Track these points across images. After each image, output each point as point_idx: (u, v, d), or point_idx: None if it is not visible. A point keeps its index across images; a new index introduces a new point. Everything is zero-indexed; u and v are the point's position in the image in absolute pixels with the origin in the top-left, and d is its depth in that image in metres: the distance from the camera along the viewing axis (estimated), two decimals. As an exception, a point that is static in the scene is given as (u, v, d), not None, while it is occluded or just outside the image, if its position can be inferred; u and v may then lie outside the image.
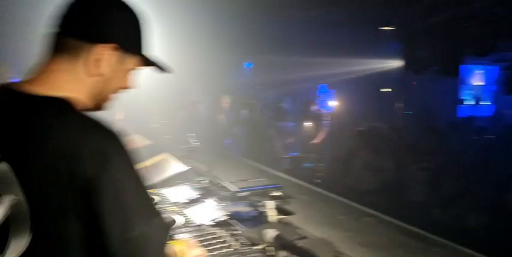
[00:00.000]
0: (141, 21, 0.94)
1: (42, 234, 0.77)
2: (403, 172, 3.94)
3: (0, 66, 3.67)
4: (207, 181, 2.51)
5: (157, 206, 0.94)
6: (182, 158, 2.99)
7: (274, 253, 1.43)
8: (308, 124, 6.51)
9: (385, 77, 8.17)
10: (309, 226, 1.74)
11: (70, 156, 0.74)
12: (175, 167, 2.72)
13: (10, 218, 0.75)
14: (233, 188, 2.17)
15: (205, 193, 2.29)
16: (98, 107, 0.94)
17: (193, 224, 1.77)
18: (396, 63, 7.75)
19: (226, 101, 5.35)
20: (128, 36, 0.91)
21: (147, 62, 0.97)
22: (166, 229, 0.90)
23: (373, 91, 8.35)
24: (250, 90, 7.96)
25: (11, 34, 4.83)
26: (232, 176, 2.60)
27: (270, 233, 1.55)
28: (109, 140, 0.79)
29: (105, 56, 0.86)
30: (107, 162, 0.75)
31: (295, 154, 6.82)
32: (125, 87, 0.97)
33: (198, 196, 2.21)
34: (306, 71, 7.86)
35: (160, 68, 1.00)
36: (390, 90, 8.75)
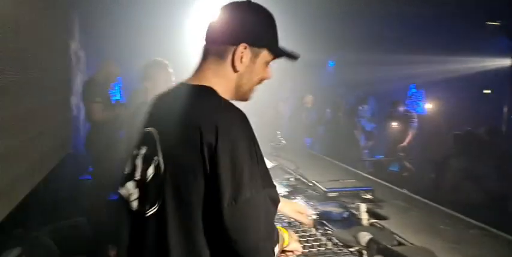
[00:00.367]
0: (267, 19, 1.11)
1: (173, 191, 0.96)
2: (507, 182, 3.54)
3: (109, 66, 4.12)
4: (293, 179, 2.55)
5: (272, 180, 1.05)
6: (268, 155, 3.08)
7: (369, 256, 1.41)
8: (394, 126, 6.19)
9: (488, 77, 7.34)
10: (405, 233, 1.66)
11: (204, 129, 0.93)
12: (263, 163, 2.81)
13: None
14: (323, 187, 2.18)
15: (293, 190, 2.33)
16: (242, 97, 1.14)
17: (284, 221, 1.82)
18: (502, 62, 6.94)
19: (309, 100, 5.33)
20: (256, 35, 1.07)
21: (278, 53, 1.13)
22: (276, 201, 1.03)
23: (473, 92, 7.56)
24: (334, 89, 7.81)
25: (120, 36, 5.43)
26: (318, 175, 2.61)
27: (365, 237, 1.53)
28: (236, 119, 0.97)
29: (241, 54, 1.05)
30: (233, 136, 0.93)
31: (380, 157, 6.54)
32: (264, 79, 1.15)
33: (286, 194, 2.25)
34: (395, 70, 7.44)
35: (290, 56, 1.15)
36: (490, 92, 7.87)
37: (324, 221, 1.82)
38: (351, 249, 1.51)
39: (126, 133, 3.28)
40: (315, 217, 1.79)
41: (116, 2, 4.85)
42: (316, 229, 1.72)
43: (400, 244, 1.59)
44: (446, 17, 6.01)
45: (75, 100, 4.59)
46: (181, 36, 4.09)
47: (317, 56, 7.56)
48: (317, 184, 2.29)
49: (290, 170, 2.82)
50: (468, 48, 6.82)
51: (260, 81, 1.15)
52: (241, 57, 1.06)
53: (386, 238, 1.62)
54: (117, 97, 6.76)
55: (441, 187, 3.53)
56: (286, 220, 1.80)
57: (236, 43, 1.05)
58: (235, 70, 1.07)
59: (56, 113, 3.49)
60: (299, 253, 1.30)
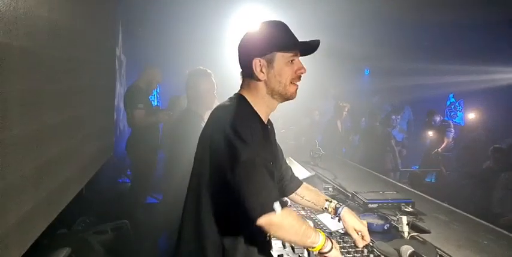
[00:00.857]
0: (267, 30, 1.32)
1: (195, 177, 1.32)
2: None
3: (152, 73, 4.27)
4: (332, 188, 2.56)
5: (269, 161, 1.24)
6: (306, 165, 3.10)
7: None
8: (430, 135, 6.04)
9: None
10: (447, 247, 1.65)
11: (210, 125, 1.31)
12: (301, 172, 2.84)
13: None
14: (363, 198, 2.18)
15: (333, 200, 2.34)
16: (284, 97, 1.34)
17: (325, 231, 1.84)
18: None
19: (345, 109, 5.31)
20: (260, 47, 1.29)
21: (290, 49, 1.29)
22: (268, 167, 1.18)
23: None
24: (369, 97, 7.71)
25: (160, 45, 5.66)
26: (355, 185, 2.61)
27: (408, 250, 1.53)
28: (233, 118, 1.21)
29: (258, 67, 1.29)
30: (227, 130, 1.18)
31: (415, 167, 6.38)
32: (294, 76, 1.32)
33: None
34: (432, 79, 7.26)
35: (306, 45, 1.31)
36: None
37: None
38: (393, 261, 1.51)
39: (168, 138, 3.41)
40: (341, 231, 1.80)
41: (160, 11, 5.07)
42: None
43: (443, 258, 1.57)
44: (484, 26, 5.85)
45: (118, 105, 4.81)
46: (221, 46, 4.20)
47: (353, 64, 7.54)
48: (357, 195, 2.29)
49: (328, 180, 2.83)
50: (506, 57, 6.57)
51: (295, 77, 1.32)
52: (260, 69, 1.29)
53: (429, 251, 1.61)
54: (155, 103, 7.02)
55: (479, 200, 3.41)
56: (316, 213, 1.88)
57: (250, 59, 1.29)
58: (259, 80, 1.30)
59: (101, 118, 3.66)
60: None
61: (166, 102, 5.14)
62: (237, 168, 1.13)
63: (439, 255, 1.60)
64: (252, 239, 1.29)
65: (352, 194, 2.35)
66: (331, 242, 1.29)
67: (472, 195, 4.00)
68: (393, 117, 5.66)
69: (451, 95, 8.99)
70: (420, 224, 1.93)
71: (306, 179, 2.70)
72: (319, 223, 1.95)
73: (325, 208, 1.61)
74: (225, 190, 1.17)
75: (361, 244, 1.46)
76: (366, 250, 1.62)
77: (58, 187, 2.15)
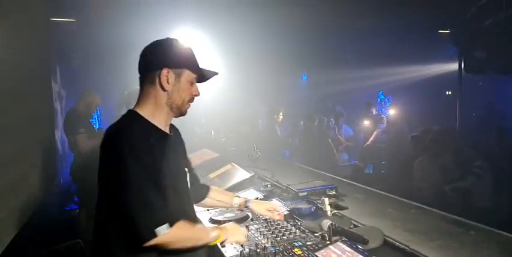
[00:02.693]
0: (184, 48, 1.40)
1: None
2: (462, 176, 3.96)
3: (89, 96, 4.33)
4: (270, 185, 2.87)
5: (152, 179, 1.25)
6: (247, 167, 3.39)
7: (328, 237, 1.72)
8: (367, 125, 6.59)
9: (444, 80, 8.02)
10: (360, 218, 2.00)
11: (104, 143, 1.31)
12: (242, 174, 3.12)
13: None
14: (294, 189, 2.49)
15: (270, 194, 2.64)
16: (178, 112, 1.42)
17: (262, 219, 2.11)
18: (454, 66, 7.59)
19: (279, 113, 5.72)
20: (174, 60, 1.37)
21: (197, 71, 1.41)
22: (158, 184, 1.24)
23: (431, 95, 8.22)
24: (307, 100, 8.25)
25: (99, 67, 5.69)
26: (292, 180, 2.93)
27: (326, 223, 1.85)
28: (123, 135, 1.26)
29: (165, 76, 1.34)
30: (115, 147, 1.25)
31: (354, 162, 6.95)
32: (193, 96, 1.43)
33: (263, 197, 2.56)
34: (361, 80, 8.00)
35: (208, 74, 1.45)
36: (449, 93, 8.55)
37: (295, 216, 2.13)
38: (315, 234, 1.83)
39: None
40: (285, 212, 2.10)
41: (94, 34, 5.13)
42: (288, 222, 2.03)
43: (355, 226, 1.92)
44: (404, 29, 6.62)
45: (59, 133, 4.78)
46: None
47: (290, 69, 8.04)
48: (290, 187, 2.61)
49: (267, 178, 3.13)
50: (425, 55, 7.49)
51: (191, 98, 1.43)
52: (167, 79, 1.35)
53: (344, 222, 1.95)
54: (97, 126, 6.96)
55: (402, 183, 3.90)
56: (262, 218, 2.10)
57: (159, 68, 1.35)
58: (163, 89, 1.36)
59: (43, 149, 3.67)
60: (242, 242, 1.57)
61: (108, 125, 5.18)
62: (124, 191, 1.18)
63: (353, 224, 1.95)
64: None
65: (286, 186, 2.66)
66: (226, 233, 1.46)
67: (399, 180, 4.49)
68: (342, 118, 6.23)
69: (381, 93, 9.90)
70: (341, 203, 2.28)
71: (247, 180, 2.99)
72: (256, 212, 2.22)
73: (236, 203, 1.90)
74: (115, 211, 1.23)
75: (277, 217, 1.83)
76: (294, 228, 1.92)
77: (4, 217, 2.18)
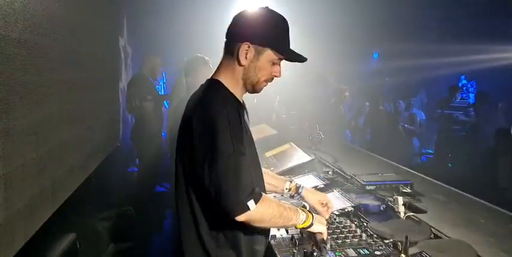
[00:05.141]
0: (275, 23, 1.27)
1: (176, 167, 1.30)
2: None
3: (152, 58, 4.27)
4: (331, 172, 2.58)
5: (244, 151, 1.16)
6: (307, 149, 3.11)
7: (403, 248, 1.42)
8: (453, 115, 5.82)
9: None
10: (442, 227, 1.65)
11: (192, 111, 1.21)
12: (301, 156, 2.85)
13: None
14: (361, 180, 2.19)
15: (331, 183, 2.35)
16: (251, 89, 1.32)
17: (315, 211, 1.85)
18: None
19: (345, 92, 5.27)
20: (259, 36, 1.24)
21: (281, 53, 1.27)
22: (244, 159, 1.14)
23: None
24: (378, 81, 7.62)
25: (164, 31, 5.67)
26: (357, 169, 2.61)
27: (400, 229, 1.54)
28: (212, 104, 1.18)
29: (244, 51, 1.24)
30: (206, 116, 1.15)
31: (429, 150, 6.33)
32: (272, 76, 1.31)
33: (323, 186, 2.28)
34: (439, 60, 7.12)
35: (293, 58, 1.29)
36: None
37: (361, 214, 1.84)
38: (386, 241, 1.53)
39: (169, 127, 3.45)
40: (349, 208, 1.82)
41: (163, 2, 5.06)
42: (352, 221, 1.75)
43: (436, 236, 1.58)
44: (493, 4, 5.68)
45: (124, 95, 4.87)
46: (221, 35, 4.20)
47: (361, 47, 7.43)
48: (355, 177, 2.30)
49: (328, 164, 2.84)
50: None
51: (269, 78, 1.31)
52: (246, 54, 1.24)
53: (424, 230, 1.62)
54: (162, 92, 7.07)
55: (486, 181, 3.38)
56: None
57: (241, 41, 1.24)
58: (240, 64, 1.26)
59: (106, 108, 3.72)
60: (325, 236, 1.35)
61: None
62: (212, 164, 1.10)
63: (433, 234, 1.61)
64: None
65: (350, 176, 2.35)
66: (312, 217, 1.31)
67: (477, 176, 3.94)
68: (413, 98, 5.58)
69: (463, 77, 8.82)
70: (417, 204, 1.94)
71: (306, 163, 2.72)
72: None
73: (287, 188, 1.65)
74: (201, 182, 1.16)
75: (326, 214, 1.53)
76: (359, 230, 1.64)
77: (62, 174, 2.21)
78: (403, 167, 2.85)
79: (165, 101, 4.65)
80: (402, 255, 1.39)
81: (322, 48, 5.98)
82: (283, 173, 2.61)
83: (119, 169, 4.98)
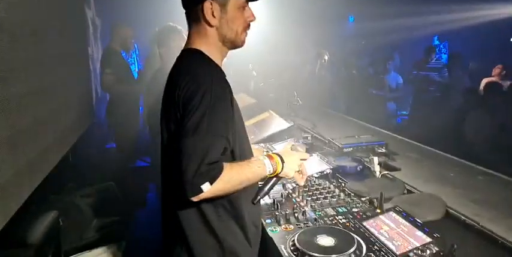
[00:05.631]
0: None
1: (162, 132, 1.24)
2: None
3: (121, 29, 4.02)
4: (310, 137, 2.62)
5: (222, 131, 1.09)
6: (286, 116, 3.14)
7: (379, 205, 1.49)
8: (428, 76, 5.88)
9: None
10: (415, 183, 1.73)
11: (177, 82, 1.13)
12: (280, 124, 2.88)
13: None
14: (338, 144, 2.23)
15: (310, 148, 2.40)
16: (234, 44, 1.25)
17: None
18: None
19: (324, 56, 5.23)
20: None
21: None
22: (221, 140, 1.07)
23: (498, 42, 7.20)
24: (353, 45, 7.59)
25: (139, 2, 5.39)
26: (335, 133, 2.66)
27: (375, 187, 1.60)
28: (199, 73, 1.12)
29: (209, 10, 1.17)
30: (192, 87, 1.09)
31: (404, 112, 6.47)
32: (248, 22, 1.25)
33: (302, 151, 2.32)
34: (416, 23, 7.12)
35: None
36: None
37: (339, 175, 1.90)
38: (362, 199, 1.60)
39: (145, 100, 3.38)
40: (328, 171, 1.88)
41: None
42: (331, 182, 1.81)
43: (409, 192, 1.66)
44: None
45: (97, 70, 4.68)
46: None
47: (337, 10, 7.30)
48: (333, 141, 2.35)
49: (307, 129, 2.88)
50: None
51: (245, 25, 1.24)
52: (212, 12, 1.17)
53: (398, 187, 1.69)
54: (136, 66, 6.84)
55: (456, 138, 3.53)
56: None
57: (200, 2, 1.17)
58: (210, 25, 1.20)
59: (78, 84, 3.59)
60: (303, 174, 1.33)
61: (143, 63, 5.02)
62: (182, 139, 1.06)
63: (407, 189, 1.69)
64: None
65: (328, 140, 2.40)
66: (282, 164, 1.22)
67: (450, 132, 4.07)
68: (389, 62, 5.61)
69: (435, 37, 8.90)
70: (392, 163, 2.01)
71: (285, 130, 2.75)
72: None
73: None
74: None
75: (302, 181, 1.42)
76: (337, 190, 1.70)
77: (37, 154, 2.16)
78: (379, 129, 2.92)
79: (135, 74, 4.49)
80: (377, 210, 1.46)
81: (298, 13, 5.87)
82: (263, 141, 2.65)
83: (97, 145, 4.91)
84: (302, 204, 1.58)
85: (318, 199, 1.62)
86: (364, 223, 1.37)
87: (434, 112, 5.50)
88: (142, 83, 3.87)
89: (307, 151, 2.26)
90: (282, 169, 1.22)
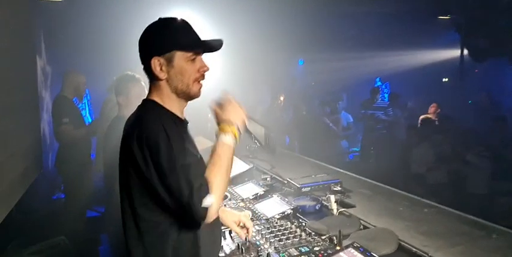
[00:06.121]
0: (168, 27, 1.27)
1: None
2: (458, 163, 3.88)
3: (73, 76, 3.96)
4: (270, 178, 2.70)
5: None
6: (245, 158, 3.21)
7: (337, 242, 1.57)
8: (375, 115, 6.33)
9: (444, 67, 7.86)
10: (369, 218, 1.85)
11: (130, 133, 1.21)
12: (239, 166, 2.94)
13: None
14: (297, 184, 2.33)
15: (270, 189, 2.48)
16: (188, 96, 1.30)
17: (263, 218, 1.96)
18: (455, 53, 7.44)
19: (282, 98, 5.50)
20: (158, 45, 1.25)
21: (191, 48, 1.26)
22: (190, 167, 1.15)
23: (428, 82, 8.07)
24: (305, 87, 8.03)
25: (88, 47, 5.41)
26: (293, 173, 2.76)
27: (334, 225, 1.69)
28: (148, 123, 1.20)
29: (156, 66, 1.25)
30: (145, 135, 1.16)
31: (352, 149, 6.82)
32: (197, 75, 1.28)
33: (263, 192, 2.39)
34: (357, 66, 7.79)
35: (207, 47, 1.29)
36: (447, 80, 8.44)
37: (299, 215, 1.98)
38: (322, 237, 1.67)
39: (102, 147, 3.31)
40: (288, 211, 1.95)
41: (84, 15, 4.85)
42: (292, 222, 1.88)
43: (365, 227, 1.77)
44: (403, 14, 6.39)
45: (47, 118, 4.53)
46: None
47: (286, 55, 7.79)
48: (291, 181, 2.44)
49: (266, 170, 2.96)
50: (424, 41, 7.29)
51: (198, 76, 1.29)
52: (159, 67, 1.25)
53: (353, 223, 1.79)
54: (87, 112, 6.70)
55: (403, 172, 3.80)
56: (263, 217, 1.95)
57: (149, 59, 1.25)
58: (160, 79, 1.27)
59: (26, 133, 3.45)
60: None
61: (98, 111, 4.95)
62: (165, 181, 1.13)
63: (363, 225, 1.80)
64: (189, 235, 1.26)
65: (287, 181, 2.50)
66: (228, 129, 1.30)
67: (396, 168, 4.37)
68: (340, 102, 6.01)
69: (378, 79, 9.72)
70: (347, 200, 2.13)
71: (245, 172, 2.81)
72: (256, 211, 2.06)
73: None
74: (154, 197, 1.18)
75: (244, 235, 1.54)
76: (298, 230, 1.76)
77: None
78: (332, 167, 3.07)
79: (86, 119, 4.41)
80: (337, 247, 1.53)
81: (252, 57, 6.19)
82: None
83: (44, 196, 4.63)
84: (266, 246, 1.62)
85: (280, 240, 1.67)
86: (326, 261, 1.44)
87: (382, 148, 5.90)
88: (95, 129, 3.81)
89: (267, 192, 2.36)
90: (235, 125, 1.31)
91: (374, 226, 1.76)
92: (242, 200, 2.30)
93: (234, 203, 2.23)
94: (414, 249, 1.51)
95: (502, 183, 3.85)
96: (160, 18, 1.30)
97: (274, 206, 2.08)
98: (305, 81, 8.86)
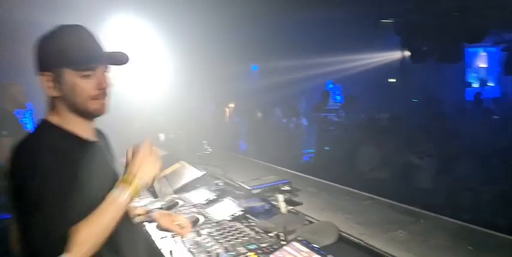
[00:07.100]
0: (58, 42, 1.12)
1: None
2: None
3: (13, 86, 3.76)
4: (222, 183, 2.76)
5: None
6: (197, 165, 3.25)
7: (284, 237, 1.67)
8: (327, 117, 6.59)
9: (390, 68, 8.39)
10: (314, 213, 1.97)
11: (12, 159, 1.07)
12: (192, 173, 2.98)
13: None
14: (247, 186, 2.41)
15: (222, 193, 2.54)
16: (88, 112, 1.17)
17: (213, 221, 2.02)
18: (398, 54, 7.98)
19: (230, 105, 5.60)
20: (44, 62, 1.13)
21: (80, 66, 1.12)
22: (58, 205, 1.00)
23: (376, 83, 8.56)
24: (256, 93, 8.18)
25: (25, 55, 5.18)
26: (245, 177, 2.84)
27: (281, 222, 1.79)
28: (22, 150, 1.08)
29: (44, 82, 1.14)
30: (21, 164, 1.04)
31: (306, 151, 7.04)
32: (93, 92, 1.14)
33: (215, 197, 2.45)
34: (310, 70, 8.09)
35: (109, 61, 1.18)
36: (395, 80, 8.98)
37: (249, 216, 2.06)
38: (270, 234, 1.76)
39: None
40: (239, 213, 2.02)
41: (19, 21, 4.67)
42: (242, 223, 1.95)
43: (310, 222, 1.88)
44: (349, 19, 6.72)
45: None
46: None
47: (239, 60, 7.91)
48: (242, 185, 2.52)
49: (219, 176, 3.01)
50: (369, 44, 7.74)
51: (94, 93, 1.14)
52: (48, 85, 1.13)
53: (299, 219, 1.90)
54: (29, 125, 6.39)
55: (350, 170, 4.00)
56: (214, 220, 2.00)
57: (38, 74, 1.14)
58: (52, 96, 1.15)
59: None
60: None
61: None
62: (23, 220, 1.01)
63: (308, 220, 1.91)
64: None
65: (238, 184, 2.57)
66: (127, 182, 1.12)
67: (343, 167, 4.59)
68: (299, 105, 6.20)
69: (330, 82, 10.13)
70: (295, 198, 2.24)
71: (198, 179, 2.85)
72: (207, 215, 2.12)
73: (137, 214, 1.58)
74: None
75: (182, 234, 1.56)
76: (248, 229, 1.84)
77: None
78: (283, 168, 3.20)
79: None
80: (283, 242, 1.63)
81: (202, 64, 6.24)
82: (176, 191, 2.71)
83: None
84: (216, 247, 1.68)
85: (230, 240, 1.73)
86: (271, 256, 1.52)
87: (336, 149, 6.17)
88: None
89: (219, 196, 2.42)
90: (140, 181, 1.13)
91: (318, 221, 1.87)
92: (194, 205, 2.34)
93: (186, 209, 2.27)
94: (352, 238, 1.63)
95: (446, 177, 4.18)
96: (54, 27, 1.14)
97: (225, 209, 2.15)
98: (260, 86, 9.03)
